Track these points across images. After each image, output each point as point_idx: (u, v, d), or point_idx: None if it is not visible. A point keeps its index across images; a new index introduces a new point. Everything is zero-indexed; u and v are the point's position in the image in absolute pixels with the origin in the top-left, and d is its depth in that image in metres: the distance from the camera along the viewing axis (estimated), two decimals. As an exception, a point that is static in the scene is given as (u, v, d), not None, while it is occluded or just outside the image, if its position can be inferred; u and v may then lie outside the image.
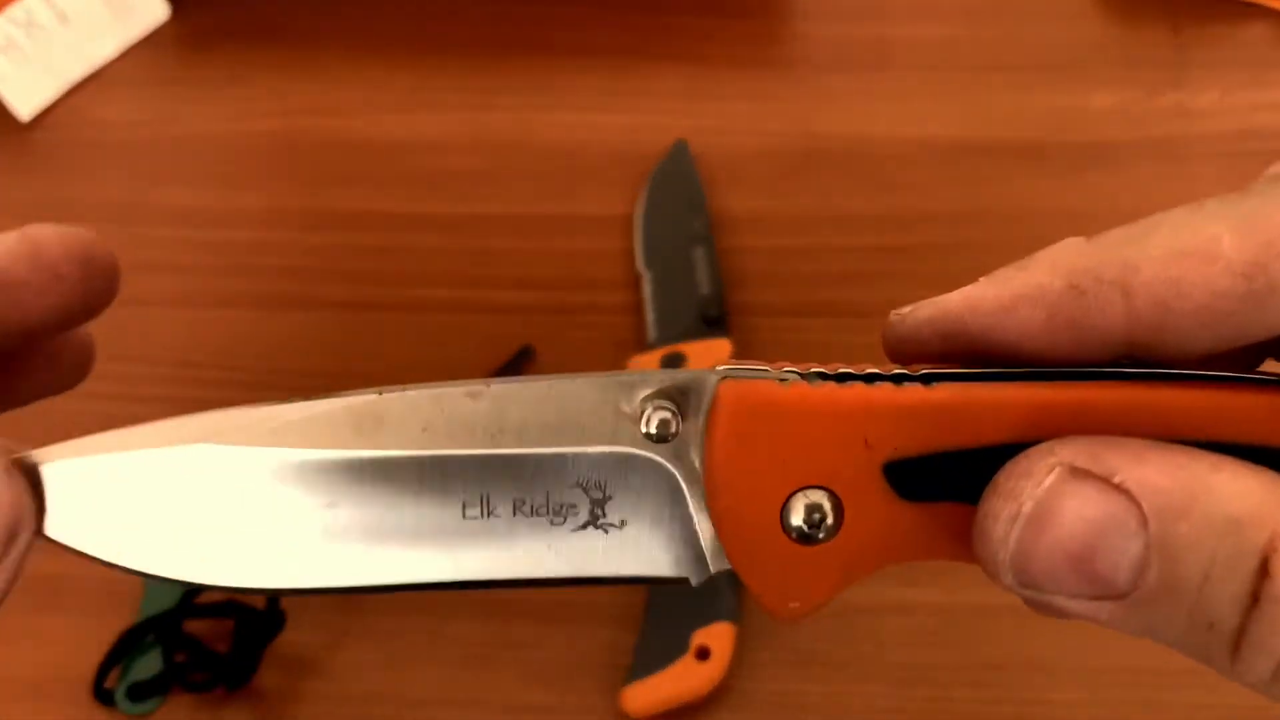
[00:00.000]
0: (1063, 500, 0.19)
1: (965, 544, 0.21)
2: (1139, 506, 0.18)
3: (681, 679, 0.42)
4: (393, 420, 0.22)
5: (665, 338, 0.49)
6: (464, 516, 0.22)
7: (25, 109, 0.56)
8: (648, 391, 0.22)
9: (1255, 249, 0.18)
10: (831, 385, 0.21)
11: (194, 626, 0.43)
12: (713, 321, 0.49)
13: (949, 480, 0.21)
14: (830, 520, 0.21)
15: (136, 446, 0.22)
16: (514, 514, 0.22)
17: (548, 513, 0.22)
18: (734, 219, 0.52)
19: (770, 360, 0.22)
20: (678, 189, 0.53)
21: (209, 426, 0.22)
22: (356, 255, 0.52)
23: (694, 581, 0.22)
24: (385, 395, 0.22)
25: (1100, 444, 0.19)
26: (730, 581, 0.43)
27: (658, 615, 0.43)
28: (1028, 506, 0.19)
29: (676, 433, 0.22)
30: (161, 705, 0.43)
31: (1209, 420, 0.20)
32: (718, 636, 0.42)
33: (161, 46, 0.58)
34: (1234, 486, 0.18)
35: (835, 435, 0.21)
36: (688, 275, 0.50)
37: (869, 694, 0.42)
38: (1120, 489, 0.19)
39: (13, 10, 0.56)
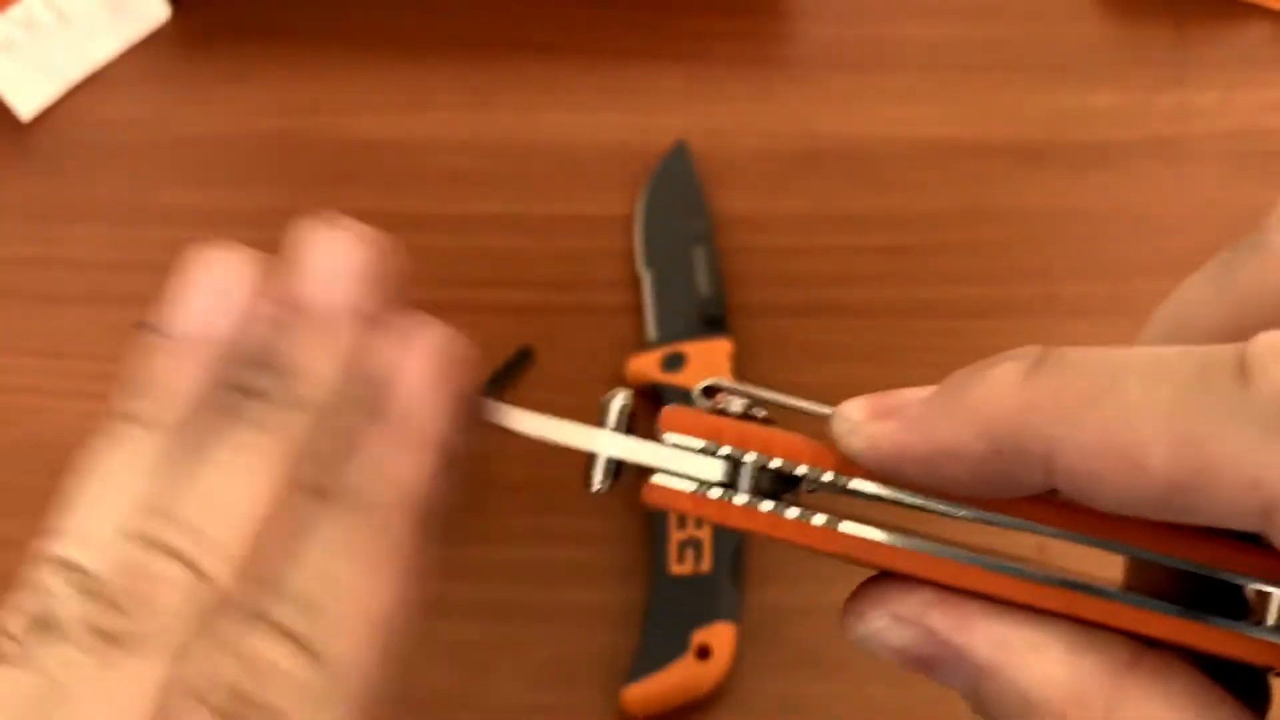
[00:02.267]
0: (892, 637, 0.22)
1: None
2: (960, 656, 0.21)
3: (682, 679, 0.42)
4: None
5: (665, 338, 0.49)
6: None
7: (25, 109, 0.56)
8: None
9: (1185, 472, 0.18)
10: (739, 513, 0.23)
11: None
12: (713, 321, 0.49)
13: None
14: None
15: None
16: None
17: None
18: (734, 219, 0.52)
19: (705, 431, 0.23)
20: (678, 189, 0.53)
21: None
22: (356, 255, 0.52)
23: None
24: None
25: (934, 602, 0.21)
26: (730, 580, 0.43)
27: (658, 615, 0.43)
28: (859, 631, 0.22)
29: (609, 491, 0.25)
30: (161, 705, 0.43)
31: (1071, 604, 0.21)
32: (718, 636, 0.42)
33: (162, 46, 0.58)
34: (1041, 671, 0.20)
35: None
36: (688, 275, 0.50)
37: (869, 694, 0.42)
38: (941, 640, 0.21)
39: (12, 10, 0.56)
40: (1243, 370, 0.18)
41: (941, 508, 0.21)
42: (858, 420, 0.22)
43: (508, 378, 0.48)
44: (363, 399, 0.24)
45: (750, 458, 0.23)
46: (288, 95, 0.57)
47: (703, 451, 0.23)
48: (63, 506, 0.24)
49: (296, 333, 0.25)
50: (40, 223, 0.54)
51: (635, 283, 0.51)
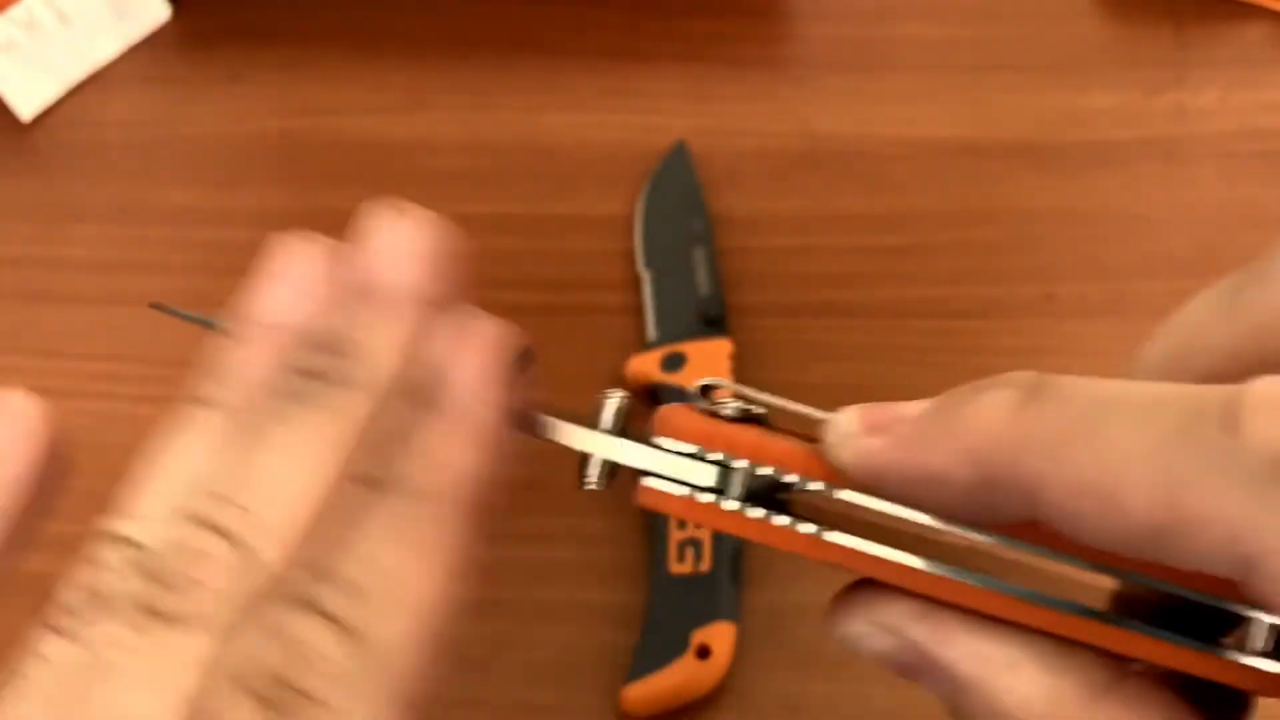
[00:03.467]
0: (873, 643, 0.22)
1: None
2: (940, 667, 0.21)
3: (682, 678, 0.42)
4: None
5: (665, 338, 0.49)
6: None
7: (26, 109, 0.56)
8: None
9: (1164, 519, 0.18)
10: (730, 518, 0.23)
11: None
12: (713, 321, 0.49)
13: None
14: None
15: None
16: None
17: None
18: (734, 219, 0.52)
19: (698, 435, 0.23)
20: (678, 189, 0.53)
21: None
22: (357, 255, 0.52)
23: None
24: None
25: (916, 615, 0.22)
26: (730, 580, 0.43)
27: (658, 615, 0.43)
28: (839, 633, 0.23)
29: (603, 491, 0.25)
30: (162, 705, 0.43)
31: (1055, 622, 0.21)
32: (718, 636, 0.42)
33: (162, 47, 0.58)
34: (1018, 691, 0.21)
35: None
36: (688, 275, 0.50)
37: (869, 694, 0.42)
38: (920, 651, 0.22)
39: (13, 10, 0.56)
40: (1232, 419, 0.17)
41: (926, 523, 0.22)
42: (849, 432, 0.22)
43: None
44: (420, 386, 0.24)
45: (741, 464, 0.23)
46: (288, 95, 0.57)
47: (694, 457, 0.23)
48: (129, 485, 0.24)
49: (359, 314, 0.25)
50: (40, 223, 0.54)
51: (635, 283, 0.51)
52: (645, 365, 0.48)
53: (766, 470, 0.23)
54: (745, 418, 0.24)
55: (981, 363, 0.48)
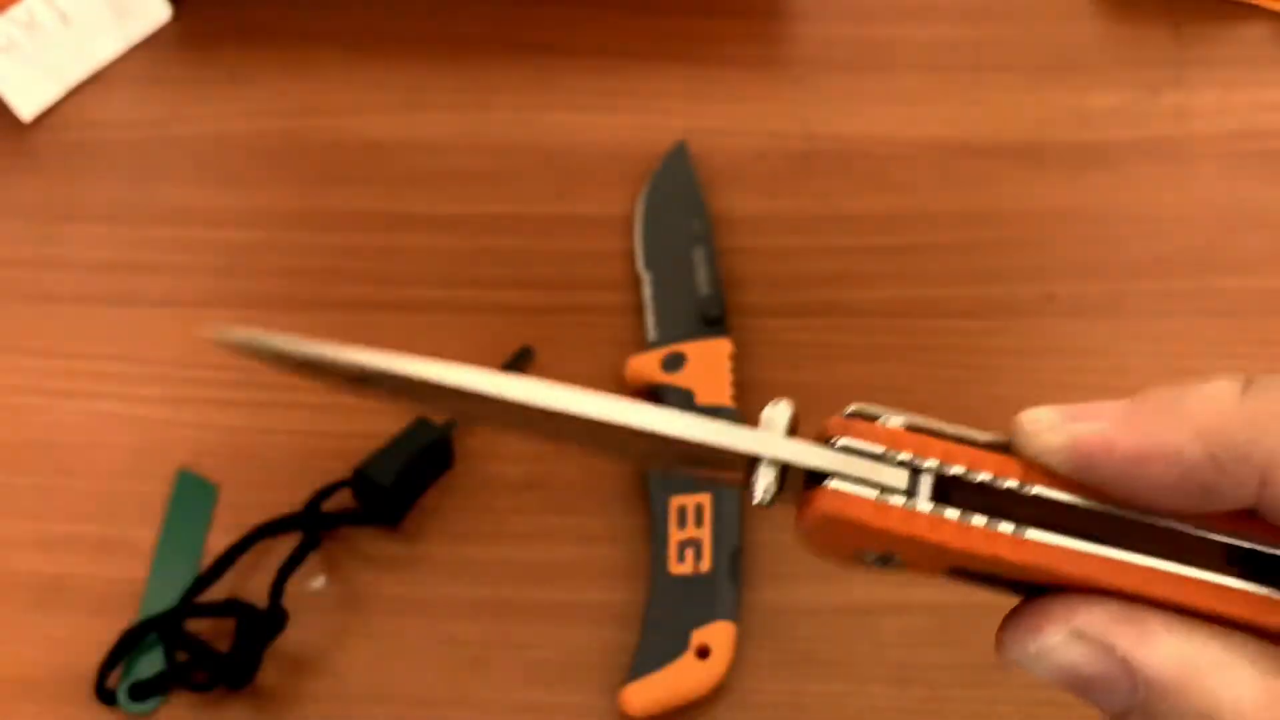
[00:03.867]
0: (1066, 654, 0.21)
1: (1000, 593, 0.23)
2: (1132, 675, 0.20)
3: (681, 678, 0.42)
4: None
5: (665, 338, 0.49)
6: None
7: (27, 109, 0.56)
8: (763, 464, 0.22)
9: None
10: (923, 521, 0.21)
11: (195, 626, 0.43)
12: (713, 321, 0.49)
13: (1004, 583, 0.23)
14: (898, 563, 0.23)
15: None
16: None
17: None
18: (734, 219, 0.52)
19: (882, 438, 0.22)
20: (678, 189, 0.53)
21: None
22: (356, 255, 0.52)
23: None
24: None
25: (1118, 618, 0.21)
26: (730, 580, 0.43)
27: (658, 615, 0.43)
28: (1031, 649, 0.21)
29: (773, 503, 0.22)
30: (163, 705, 0.43)
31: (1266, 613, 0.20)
32: (718, 636, 0.42)
33: (163, 47, 0.58)
34: (1229, 691, 0.20)
35: (915, 553, 0.22)
36: (688, 275, 0.50)
37: (869, 694, 0.42)
38: (1119, 658, 0.20)
39: (14, 11, 0.56)
40: None
41: (1131, 517, 0.21)
42: (1054, 422, 0.21)
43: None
44: None
45: (930, 464, 0.22)
46: (288, 96, 0.57)
47: (879, 458, 0.22)
48: None
49: None
50: (40, 223, 0.54)
51: (635, 283, 0.51)
52: (645, 365, 0.48)
53: (957, 469, 0.22)
54: (912, 428, 0.22)
55: (982, 363, 0.48)
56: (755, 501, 0.22)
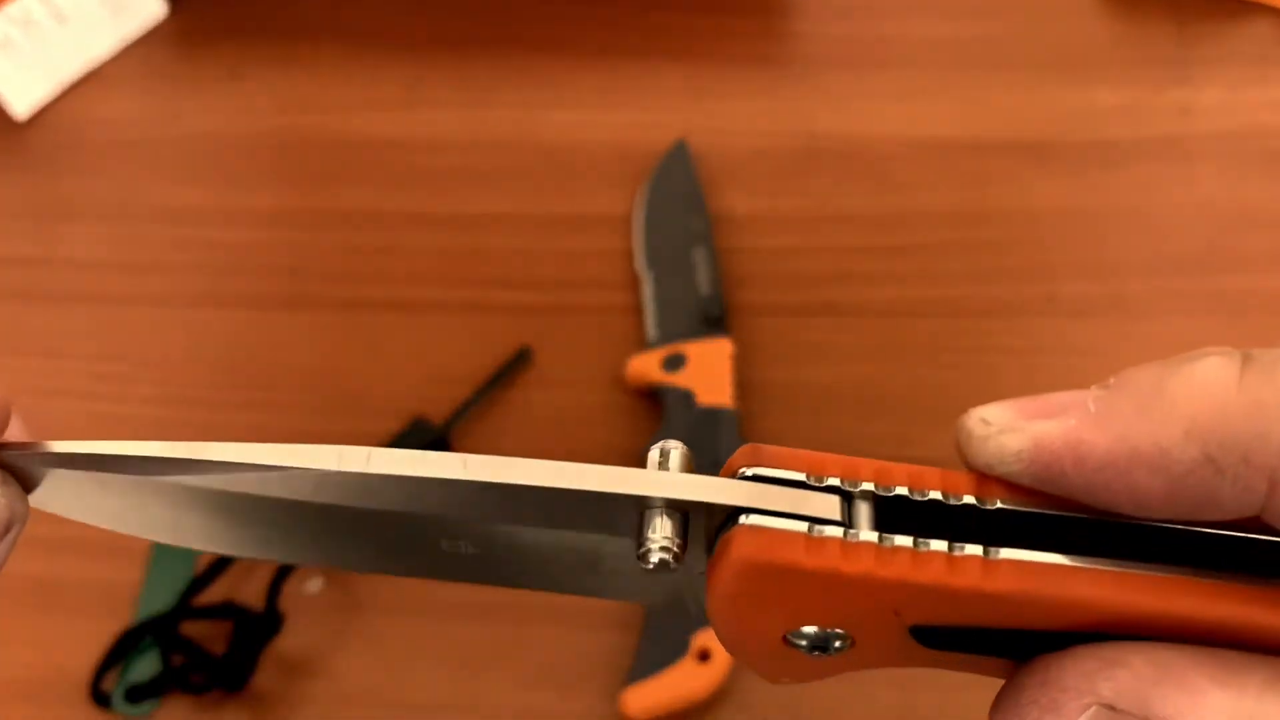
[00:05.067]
0: None
1: (980, 670, 0.19)
2: None
3: (682, 681, 0.42)
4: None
5: (665, 338, 0.48)
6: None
7: (22, 107, 0.56)
8: (654, 511, 0.18)
9: None
10: (870, 555, 0.17)
11: (191, 628, 0.43)
12: (713, 321, 0.48)
13: (981, 643, 0.18)
14: (840, 645, 0.19)
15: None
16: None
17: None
18: (734, 219, 0.52)
19: (802, 463, 0.18)
20: (678, 189, 0.52)
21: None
22: (356, 255, 0.52)
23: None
24: (373, 453, 0.19)
25: (1154, 679, 0.16)
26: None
27: (658, 617, 0.43)
28: None
29: (676, 568, 0.18)
30: (159, 707, 0.42)
31: None
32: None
33: (159, 44, 0.58)
34: None
35: (863, 603, 0.18)
36: (688, 275, 0.50)
37: (869, 695, 0.42)
38: None
39: (10, 9, 0.55)
40: None
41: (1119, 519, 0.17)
42: (1008, 424, 0.17)
43: (507, 378, 0.48)
44: None
45: (865, 486, 0.18)
46: (286, 93, 0.56)
47: (803, 485, 0.18)
48: None
49: None
50: (37, 222, 0.54)
51: (635, 283, 0.50)
52: (645, 365, 0.47)
53: (900, 490, 0.17)
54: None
55: (982, 362, 0.48)
56: (653, 563, 0.17)
